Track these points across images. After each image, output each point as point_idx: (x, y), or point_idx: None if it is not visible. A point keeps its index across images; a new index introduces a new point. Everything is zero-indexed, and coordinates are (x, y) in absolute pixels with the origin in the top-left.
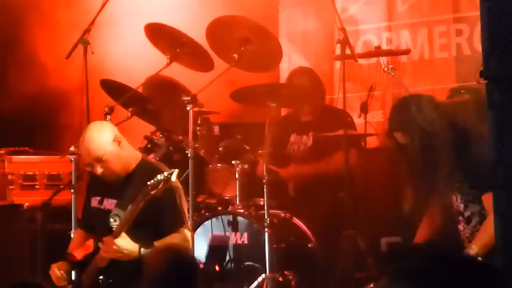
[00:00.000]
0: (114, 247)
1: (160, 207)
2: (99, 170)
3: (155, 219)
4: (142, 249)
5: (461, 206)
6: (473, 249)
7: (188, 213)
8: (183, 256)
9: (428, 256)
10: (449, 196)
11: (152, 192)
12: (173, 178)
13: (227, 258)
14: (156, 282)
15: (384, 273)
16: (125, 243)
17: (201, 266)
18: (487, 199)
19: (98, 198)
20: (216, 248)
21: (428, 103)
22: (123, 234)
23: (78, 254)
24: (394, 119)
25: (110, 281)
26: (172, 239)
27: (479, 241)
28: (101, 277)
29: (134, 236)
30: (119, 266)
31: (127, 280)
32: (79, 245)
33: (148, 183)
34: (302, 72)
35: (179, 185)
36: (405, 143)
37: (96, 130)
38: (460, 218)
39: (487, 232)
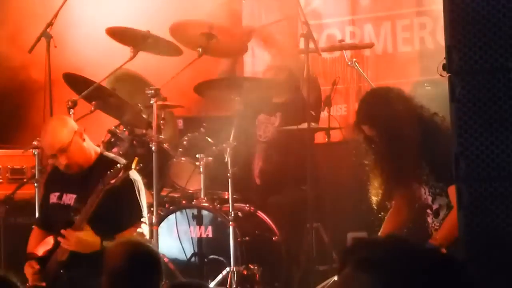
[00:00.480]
0: (75, 239)
1: (118, 200)
2: (63, 161)
3: (113, 212)
4: (103, 241)
5: (429, 199)
6: (437, 240)
7: (152, 207)
8: (146, 248)
9: (391, 247)
10: (417, 189)
11: (112, 181)
12: (133, 165)
13: (192, 251)
14: (117, 274)
15: (346, 263)
16: (86, 235)
17: (166, 260)
18: (452, 192)
19: (57, 193)
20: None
21: (396, 96)
22: (84, 226)
23: (39, 251)
24: (362, 112)
25: (71, 274)
26: (128, 233)
27: (443, 232)
28: (62, 270)
29: (93, 229)
30: (80, 259)
31: (89, 273)
32: (37, 244)
33: (108, 172)
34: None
35: (139, 179)
36: (373, 135)
37: (58, 122)
38: (429, 211)
39: (451, 224)
